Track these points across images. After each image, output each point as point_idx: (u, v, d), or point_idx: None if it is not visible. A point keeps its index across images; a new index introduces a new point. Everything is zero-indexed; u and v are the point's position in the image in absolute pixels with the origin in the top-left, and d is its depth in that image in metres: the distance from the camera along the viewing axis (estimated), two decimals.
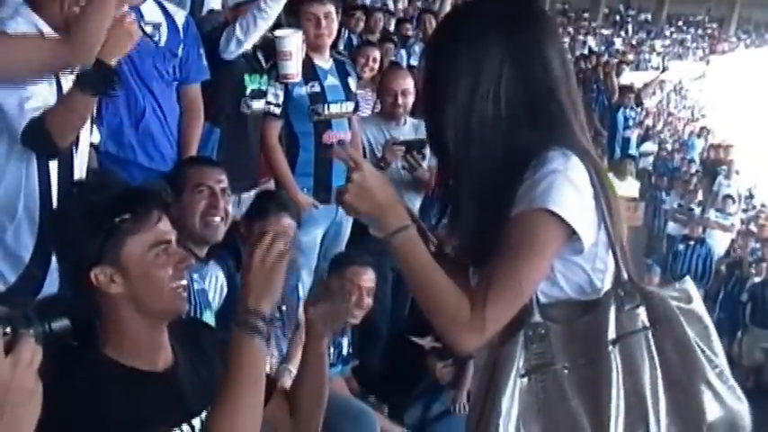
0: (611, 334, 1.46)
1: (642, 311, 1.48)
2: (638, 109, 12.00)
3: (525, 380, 1.45)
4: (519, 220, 1.44)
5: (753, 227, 13.46)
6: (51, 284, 2.29)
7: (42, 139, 2.24)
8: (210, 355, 1.71)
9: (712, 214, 12.67)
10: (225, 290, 2.79)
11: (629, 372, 1.45)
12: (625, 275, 1.50)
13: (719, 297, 10.93)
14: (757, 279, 10.26)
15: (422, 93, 1.63)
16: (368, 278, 3.40)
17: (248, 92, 3.71)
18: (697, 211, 12.75)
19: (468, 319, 1.43)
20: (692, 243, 11.40)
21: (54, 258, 1.95)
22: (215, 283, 2.76)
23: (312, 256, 4.05)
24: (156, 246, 1.54)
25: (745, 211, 14.72)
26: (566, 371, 1.45)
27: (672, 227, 12.76)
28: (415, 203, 4.18)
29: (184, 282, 1.59)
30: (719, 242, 12.23)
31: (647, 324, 1.48)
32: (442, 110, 1.52)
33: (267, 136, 3.82)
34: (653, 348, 1.47)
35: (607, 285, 1.51)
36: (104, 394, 1.48)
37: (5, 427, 1.01)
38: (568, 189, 1.44)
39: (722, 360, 1.51)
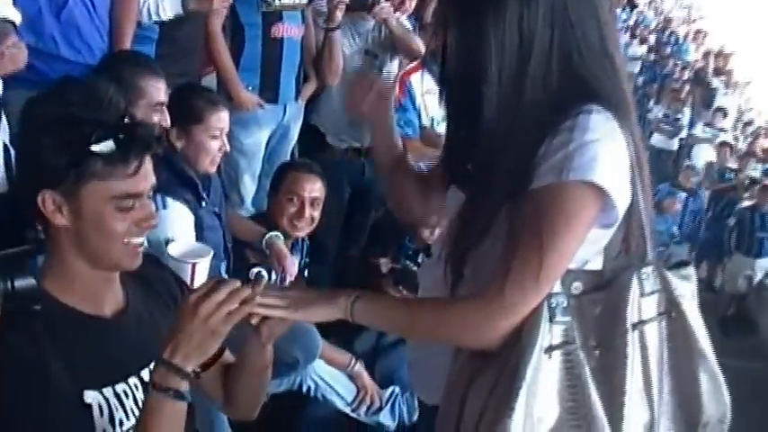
0: (632, 318, 1.48)
1: (660, 297, 1.51)
2: (630, 11, 11.83)
3: (547, 357, 1.44)
4: (549, 192, 1.41)
5: (743, 144, 13.50)
6: None
7: None
8: (165, 297, 1.72)
9: (699, 129, 12.73)
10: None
11: (643, 359, 1.48)
12: (650, 256, 1.52)
13: (707, 216, 10.98)
14: (747, 203, 10.28)
15: (449, 64, 1.55)
16: (312, 188, 3.38)
17: None
18: (684, 122, 12.75)
19: (480, 310, 1.45)
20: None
21: None
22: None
23: (255, 162, 4.07)
24: (121, 198, 1.48)
25: (740, 125, 14.76)
26: (584, 352, 1.46)
27: (657, 139, 12.71)
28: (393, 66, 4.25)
29: (141, 239, 1.54)
30: (703, 156, 12.27)
31: (663, 311, 1.51)
32: (484, 80, 1.46)
33: (209, 22, 3.76)
34: (665, 336, 1.51)
35: (607, 264, 1.52)
36: (38, 337, 1.44)
37: None
38: (610, 159, 1.42)
39: (713, 357, 1.56)
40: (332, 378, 3.41)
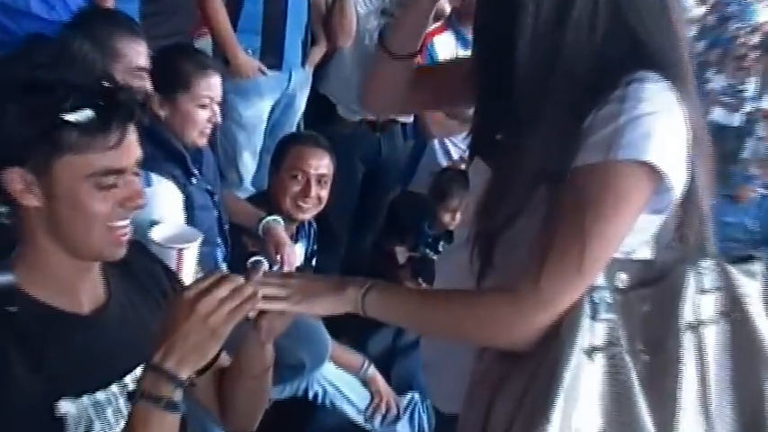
0: (687, 317, 1.47)
1: (721, 296, 1.50)
2: None
3: (589, 359, 1.42)
4: (595, 171, 1.41)
5: None
6: None
7: None
8: (154, 292, 1.71)
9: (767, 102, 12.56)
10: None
11: (699, 365, 1.47)
12: (710, 249, 1.52)
13: None
14: None
15: (478, 14, 1.56)
16: (318, 163, 3.35)
17: None
18: (749, 94, 12.60)
19: (512, 304, 1.44)
20: None
21: None
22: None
23: (256, 136, 4.07)
24: (101, 175, 1.45)
25: None
26: (631, 356, 1.44)
27: (718, 113, 12.56)
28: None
29: (125, 222, 1.51)
30: None
31: (725, 311, 1.50)
32: (519, 35, 1.44)
33: None
34: (726, 341, 1.50)
35: (658, 256, 1.52)
36: (2, 339, 1.42)
37: None
38: (666, 135, 1.40)
39: None
40: (343, 383, 3.40)
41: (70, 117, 1.39)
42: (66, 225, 1.47)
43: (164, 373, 1.34)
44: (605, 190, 1.40)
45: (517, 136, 1.48)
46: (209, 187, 2.96)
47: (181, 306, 1.37)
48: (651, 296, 1.47)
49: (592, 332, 1.42)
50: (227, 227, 3.07)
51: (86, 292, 1.56)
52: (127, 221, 1.51)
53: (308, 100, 4.29)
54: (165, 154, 2.77)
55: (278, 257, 3.09)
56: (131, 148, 1.47)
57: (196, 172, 2.88)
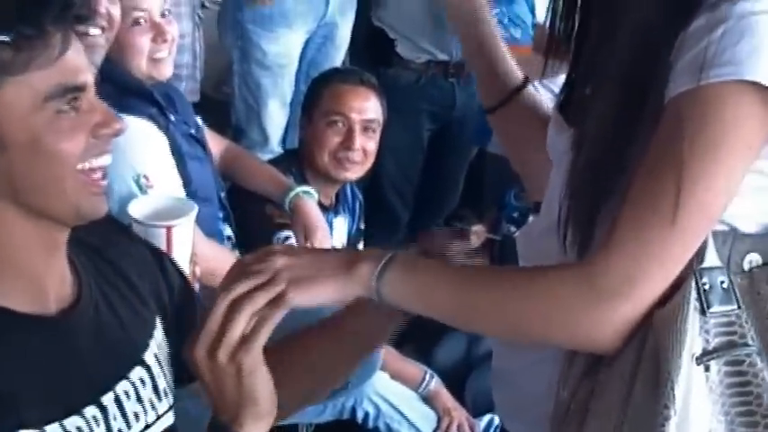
0: None
1: None
2: None
3: (702, 368, 1.33)
4: (686, 101, 1.31)
5: None
6: None
7: None
8: (136, 286, 1.64)
9: None
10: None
11: None
12: None
13: None
14: None
15: None
16: (363, 106, 3.12)
17: None
18: None
19: (578, 284, 1.33)
20: None
21: None
22: None
23: (285, 80, 3.93)
24: (58, 96, 1.38)
25: None
26: (764, 360, 1.34)
27: None
28: None
29: (102, 162, 1.44)
30: None
31: None
32: None
33: None
34: None
35: None
36: None
37: None
38: None
39: None
40: (401, 400, 3.17)
41: None
42: (28, 179, 1.42)
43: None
44: (702, 120, 1.31)
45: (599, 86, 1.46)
46: (193, 131, 2.82)
47: (196, 364, 1.37)
48: None
49: (704, 332, 1.33)
50: (223, 193, 2.96)
51: (53, 287, 1.49)
52: (104, 160, 1.44)
53: (357, 33, 4.13)
54: (129, 91, 2.61)
55: (308, 243, 2.92)
56: (82, 60, 1.43)
57: (171, 110, 2.75)
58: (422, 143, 4.17)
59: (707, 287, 1.34)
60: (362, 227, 3.43)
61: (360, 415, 3.09)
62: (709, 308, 1.32)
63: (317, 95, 3.17)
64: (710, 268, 1.35)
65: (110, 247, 1.63)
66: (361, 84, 3.17)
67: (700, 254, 1.35)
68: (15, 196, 1.42)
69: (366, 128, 3.11)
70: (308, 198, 2.95)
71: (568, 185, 1.47)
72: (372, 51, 4.13)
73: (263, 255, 1.46)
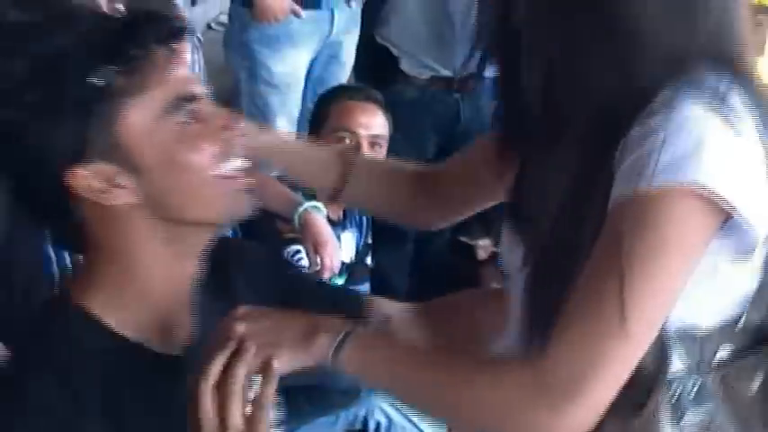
0: None
1: None
2: None
3: None
4: (627, 206, 1.30)
5: None
6: None
7: None
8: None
9: None
10: None
11: None
12: None
13: None
14: None
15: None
16: (371, 122, 3.16)
17: None
18: None
19: (523, 386, 1.31)
20: None
21: None
22: None
23: (292, 97, 3.96)
24: (176, 109, 1.40)
25: None
26: None
27: None
28: None
29: (236, 164, 1.46)
30: None
31: None
32: (524, 31, 1.42)
33: None
34: None
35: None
36: (80, 392, 1.35)
37: None
38: (726, 149, 1.30)
39: None
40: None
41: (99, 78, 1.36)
42: (168, 195, 1.42)
43: None
44: (642, 225, 1.29)
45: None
46: None
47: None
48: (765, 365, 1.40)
49: None
50: None
51: (182, 318, 1.50)
52: (238, 162, 1.46)
53: (361, 51, 4.15)
54: None
55: (317, 258, 2.95)
56: (186, 71, 1.50)
57: None
58: (427, 155, 4.09)
59: (679, 392, 1.35)
60: (370, 241, 3.46)
61: (371, 425, 3.13)
62: (683, 416, 1.34)
63: (325, 112, 3.23)
64: (680, 373, 1.35)
65: (220, 269, 1.63)
66: (368, 100, 3.23)
67: (664, 362, 1.35)
68: (161, 214, 1.44)
69: (373, 143, 3.16)
70: (317, 213, 3.00)
71: (525, 303, 1.47)
72: (376, 68, 4.13)
73: (221, 327, 1.44)
